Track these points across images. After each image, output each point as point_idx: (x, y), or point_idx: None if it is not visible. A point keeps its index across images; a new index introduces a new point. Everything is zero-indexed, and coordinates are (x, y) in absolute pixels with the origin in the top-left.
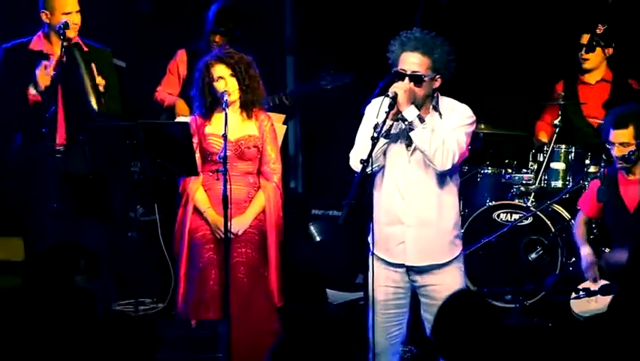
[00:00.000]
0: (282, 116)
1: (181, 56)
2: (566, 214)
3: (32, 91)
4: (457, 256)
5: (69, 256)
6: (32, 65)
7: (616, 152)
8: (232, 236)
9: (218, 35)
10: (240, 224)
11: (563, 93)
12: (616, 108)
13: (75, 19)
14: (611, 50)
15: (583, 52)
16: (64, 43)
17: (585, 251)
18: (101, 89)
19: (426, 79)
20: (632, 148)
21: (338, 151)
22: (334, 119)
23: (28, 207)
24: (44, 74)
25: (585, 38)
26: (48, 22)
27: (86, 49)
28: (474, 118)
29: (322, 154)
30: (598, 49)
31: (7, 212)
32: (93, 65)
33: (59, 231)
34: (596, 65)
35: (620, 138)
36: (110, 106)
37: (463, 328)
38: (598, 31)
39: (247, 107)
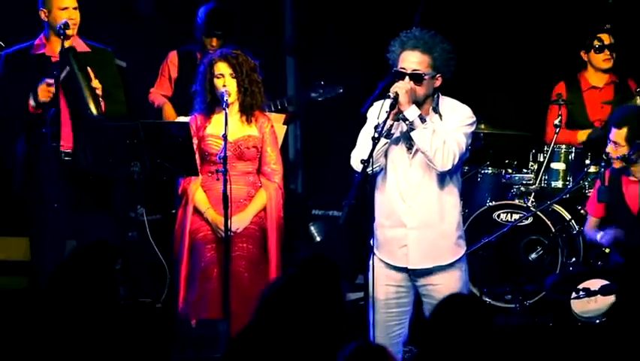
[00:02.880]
0: (282, 116)
1: (172, 57)
2: (566, 214)
3: (32, 103)
4: (461, 257)
5: (106, 254)
6: (34, 69)
7: (608, 149)
8: (232, 234)
9: (214, 39)
10: (240, 222)
11: (561, 94)
12: (620, 107)
13: (73, 15)
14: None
15: (607, 51)
16: (65, 44)
17: (600, 233)
18: (98, 92)
19: (426, 77)
20: (624, 150)
21: (338, 151)
22: (334, 119)
23: (34, 208)
24: (46, 90)
25: (607, 38)
26: (46, 20)
27: (88, 49)
28: (474, 119)
29: (322, 154)
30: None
31: (13, 212)
32: (89, 69)
33: (64, 230)
34: (612, 65)
35: (615, 137)
36: (113, 108)
37: (455, 330)
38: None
39: (246, 111)
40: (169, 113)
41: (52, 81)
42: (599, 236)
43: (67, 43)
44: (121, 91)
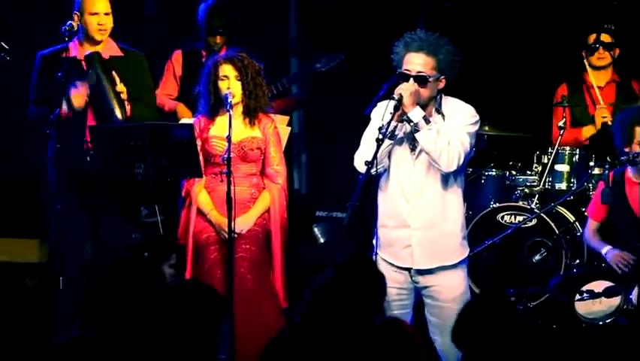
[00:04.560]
0: (286, 118)
1: (176, 56)
2: (570, 216)
3: (65, 107)
4: (464, 258)
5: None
6: (65, 72)
7: (635, 148)
8: (236, 235)
9: (217, 37)
10: (243, 223)
11: (566, 96)
12: (625, 110)
13: (103, 21)
14: (617, 51)
15: (601, 50)
16: (69, 46)
17: (606, 248)
18: (123, 96)
19: (430, 79)
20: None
21: (342, 152)
22: (338, 120)
23: (46, 210)
24: (79, 95)
25: (604, 37)
26: (78, 23)
27: (120, 53)
28: (478, 118)
29: (326, 155)
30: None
31: (21, 214)
32: (114, 73)
33: (78, 233)
34: (608, 63)
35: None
36: (142, 112)
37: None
38: (612, 29)
39: (250, 113)
40: (184, 113)
41: (82, 84)
42: (603, 251)
43: (96, 48)
44: (152, 95)
